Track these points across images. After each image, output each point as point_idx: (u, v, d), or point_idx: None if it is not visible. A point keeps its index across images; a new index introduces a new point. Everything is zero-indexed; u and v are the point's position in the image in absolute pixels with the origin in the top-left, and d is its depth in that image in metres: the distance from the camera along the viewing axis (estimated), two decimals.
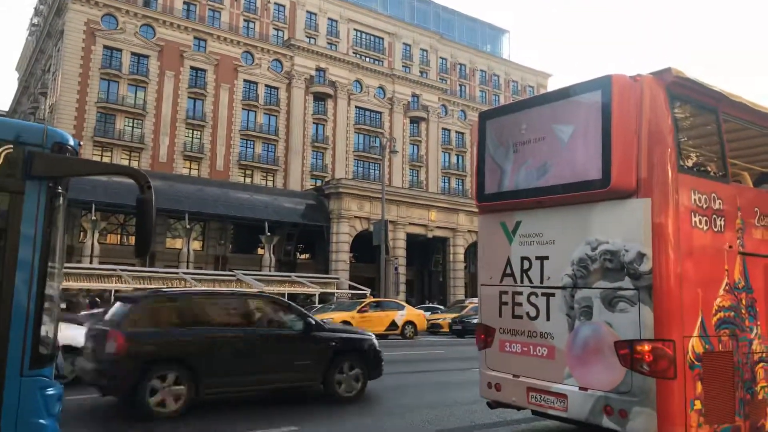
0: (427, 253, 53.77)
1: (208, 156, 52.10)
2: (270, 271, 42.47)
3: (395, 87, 63.58)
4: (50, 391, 3.45)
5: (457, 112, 69.09)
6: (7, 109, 75.84)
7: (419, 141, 65.33)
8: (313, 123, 58.54)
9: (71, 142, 3.77)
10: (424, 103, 65.42)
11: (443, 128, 67.85)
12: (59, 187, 3.61)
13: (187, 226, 41.21)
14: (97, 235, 38.47)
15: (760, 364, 6.08)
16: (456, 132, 68.86)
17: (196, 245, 44.94)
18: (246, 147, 54.57)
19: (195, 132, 51.95)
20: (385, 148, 38.11)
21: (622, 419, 5.47)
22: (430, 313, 31.57)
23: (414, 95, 64.93)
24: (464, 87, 71.75)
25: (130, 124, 48.86)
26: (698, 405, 5.37)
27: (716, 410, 5.52)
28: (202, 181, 46.68)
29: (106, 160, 46.49)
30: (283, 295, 39.68)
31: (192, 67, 51.94)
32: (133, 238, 43.67)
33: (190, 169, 51.11)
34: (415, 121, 65.19)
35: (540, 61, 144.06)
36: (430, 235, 49.39)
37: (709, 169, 6.37)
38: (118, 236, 44.56)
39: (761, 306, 6.21)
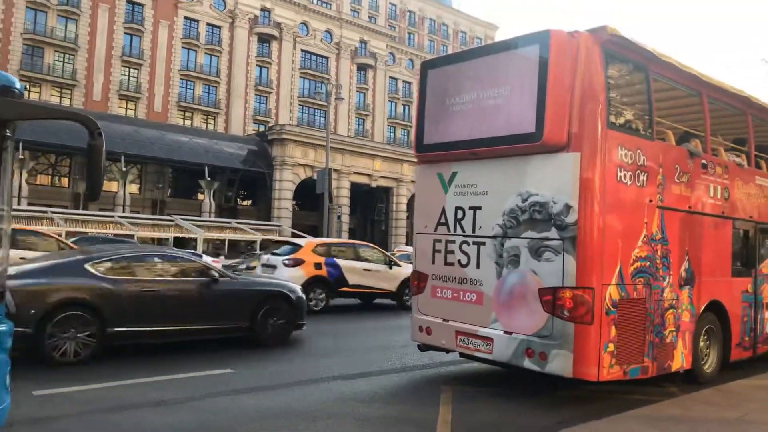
0: (370, 202, 53.99)
1: (146, 96, 49.93)
2: (210, 216, 41.78)
3: (343, 32, 62.13)
4: (2, 327, 3.58)
5: (405, 61, 68.34)
6: None
7: (366, 89, 64.55)
8: (257, 65, 56.76)
9: (17, 85, 3.74)
10: (372, 50, 64.35)
11: (390, 77, 67.14)
12: (7, 131, 3.56)
13: (123, 169, 39.77)
14: (25, 175, 36.68)
15: (670, 311, 6.54)
16: (403, 81, 68.30)
17: (132, 188, 43.55)
18: (186, 88, 52.54)
19: (131, 70, 49.52)
20: (330, 95, 37.44)
21: (542, 361, 5.81)
22: None
23: (362, 41, 63.71)
24: (413, 35, 70.85)
25: (61, 59, 46.05)
26: (611, 347, 5.77)
27: (627, 352, 5.94)
28: (139, 121, 44.83)
29: (33, 96, 43.90)
30: (223, 241, 39.31)
31: (128, 1, 49.05)
32: (65, 179, 42.23)
33: (126, 109, 48.94)
34: (362, 68, 64.19)
35: (488, 12, 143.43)
36: (374, 184, 49.54)
37: (637, 126, 6.64)
38: (49, 177, 42.59)
39: (674, 257, 6.64)
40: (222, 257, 31.72)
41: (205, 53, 53.56)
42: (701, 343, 7.14)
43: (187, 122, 51.68)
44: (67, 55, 46.28)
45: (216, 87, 54.17)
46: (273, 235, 41.36)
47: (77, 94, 46.42)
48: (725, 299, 7.51)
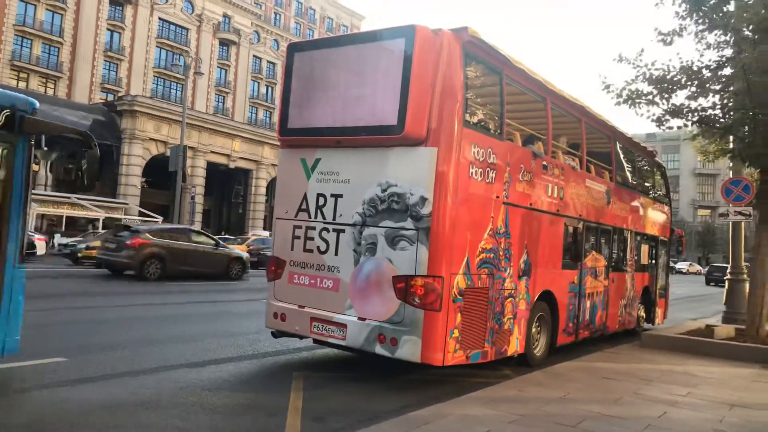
0: (228, 183, 52.27)
1: None
2: (46, 190, 37.93)
3: (205, 3, 59.19)
4: (24, 280, 5.42)
5: (270, 41, 66.76)
6: None
7: (228, 66, 62.17)
8: (108, 30, 52.31)
9: (37, 105, 5.50)
10: (236, 26, 62.05)
11: (255, 56, 65.27)
12: (32, 141, 5.43)
13: None
14: None
15: (509, 299, 7.08)
16: (268, 62, 66.73)
17: None
18: (21, 45, 47.08)
19: None
20: (189, 68, 35.52)
21: (392, 347, 6.02)
22: None
23: (225, 16, 61.18)
24: (279, 16, 69.40)
25: None
26: (456, 333, 6.12)
27: (470, 338, 6.34)
28: None
29: None
30: (61, 217, 35.95)
31: None
32: None
33: None
34: (224, 43, 61.68)
35: (355, 1, 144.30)
36: (232, 165, 47.97)
37: (489, 126, 7.06)
38: None
39: (515, 249, 7.18)
40: (58, 235, 29.05)
41: (47, 9, 48.34)
42: (533, 330, 7.82)
43: (22, 84, 46.37)
44: None
45: (59, 48, 49.15)
46: (118, 213, 38.64)
47: None
48: (555, 289, 8.28)
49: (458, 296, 6.13)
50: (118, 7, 52.83)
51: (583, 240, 9.20)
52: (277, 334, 7.24)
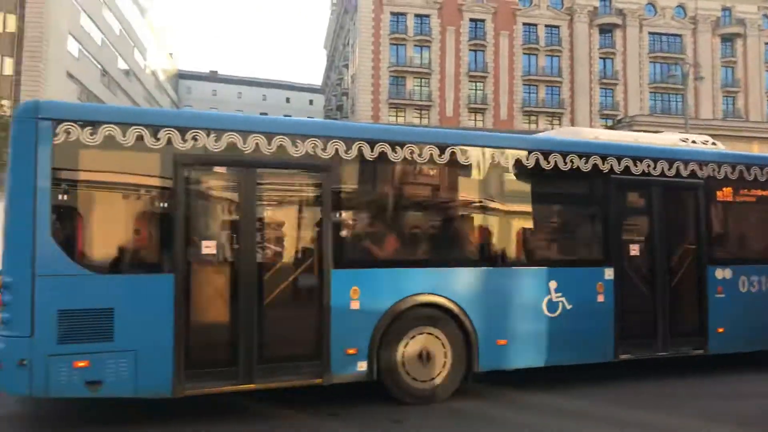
0: None
1: (492, 106, 52.29)
2: None
3: (698, 3, 54.67)
4: None
5: None
6: (319, 83, 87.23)
7: (734, 62, 55.39)
8: (600, 58, 54.07)
9: None
10: (739, 16, 54.94)
11: (766, 42, 56.25)
12: None
13: None
14: None
15: None
16: None
17: None
18: (528, 92, 53.26)
19: (477, 84, 52.50)
20: (687, 76, 33.00)
21: None
22: None
23: (724, 8, 54.99)
24: None
25: (419, 84, 51.60)
26: None
27: None
28: (486, 130, 47.05)
29: (400, 120, 50.17)
30: None
31: (471, 19, 52.22)
32: None
33: (474, 120, 52.04)
34: (727, 39, 55.35)
35: None
36: None
37: None
38: None
39: None
40: None
41: (546, 55, 53.49)
42: None
43: (533, 125, 52.24)
44: (423, 80, 51.65)
45: (558, 87, 53.55)
46: None
47: (433, 113, 51.36)
48: None
49: None
50: (607, 35, 54.10)
51: None
52: None
